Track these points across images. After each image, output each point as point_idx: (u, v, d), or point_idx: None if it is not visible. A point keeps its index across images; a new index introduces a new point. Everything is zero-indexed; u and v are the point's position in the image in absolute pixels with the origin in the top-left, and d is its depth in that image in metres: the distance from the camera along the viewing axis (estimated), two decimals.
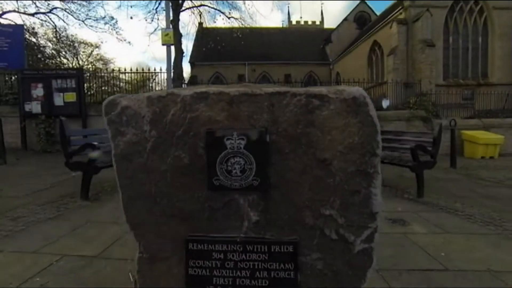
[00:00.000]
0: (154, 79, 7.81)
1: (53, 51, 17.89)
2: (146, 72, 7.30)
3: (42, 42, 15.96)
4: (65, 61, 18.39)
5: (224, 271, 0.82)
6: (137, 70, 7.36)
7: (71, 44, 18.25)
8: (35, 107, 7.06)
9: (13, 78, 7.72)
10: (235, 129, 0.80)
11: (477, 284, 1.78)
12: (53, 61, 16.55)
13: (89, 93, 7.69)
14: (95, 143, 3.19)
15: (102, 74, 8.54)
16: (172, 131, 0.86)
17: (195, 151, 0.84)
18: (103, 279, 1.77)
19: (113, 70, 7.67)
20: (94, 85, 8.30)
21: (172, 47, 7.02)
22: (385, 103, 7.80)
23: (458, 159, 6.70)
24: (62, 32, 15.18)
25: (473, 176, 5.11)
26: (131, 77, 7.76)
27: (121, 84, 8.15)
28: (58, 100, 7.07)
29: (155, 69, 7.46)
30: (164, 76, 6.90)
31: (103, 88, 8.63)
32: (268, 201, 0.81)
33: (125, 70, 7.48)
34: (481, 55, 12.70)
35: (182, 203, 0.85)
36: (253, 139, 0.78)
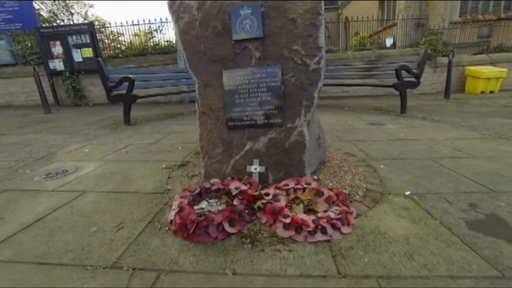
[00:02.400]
0: (161, 30, 8.31)
1: (49, 13, 17.85)
2: (153, 23, 7.71)
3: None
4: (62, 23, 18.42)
5: (244, 85, 1.63)
6: (144, 21, 7.76)
7: (65, 4, 18.06)
8: (58, 64, 7.80)
9: (29, 38, 8.26)
10: (245, 4, 1.51)
11: (416, 145, 2.62)
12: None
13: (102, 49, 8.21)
14: (130, 76, 3.98)
15: (107, 27, 8.98)
16: (210, 12, 1.59)
17: (224, 21, 1.58)
18: (162, 149, 2.75)
19: (121, 23, 8.05)
20: (106, 40, 8.78)
21: None
22: (388, 41, 7.93)
23: (457, 94, 7.13)
24: None
25: (461, 103, 5.64)
26: (139, 29, 8.16)
27: (130, 38, 8.58)
28: (77, 56, 7.72)
29: (161, 19, 7.84)
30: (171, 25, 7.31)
31: (111, 44, 9.16)
32: (264, 45, 1.57)
33: (132, 22, 7.89)
34: None
35: (219, 51, 1.62)
36: (255, 10, 1.50)
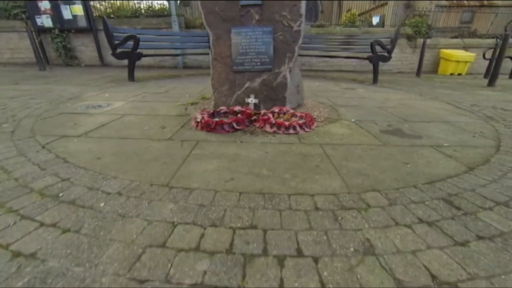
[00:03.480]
0: None
1: None
2: None
3: None
4: None
5: (246, 39, 2.32)
6: None
7: None
8: (45, 21, 7.77)
9: None
10: None
11: (373, 100, 3.44)
12: None
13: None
14: (136, 34, 4.44)
15: None
16: None
17: None
18: (172, 96, 3.41)
19: None
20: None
21: None
22: (375, 20, 8.58)
23: (429, 74, 8.06)
24: None
25: (428, 80, 6.53)
26: None
27: None
28: (66, 13, 7.72)
29: None
30: None
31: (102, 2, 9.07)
32: (262, 10, 2.25)
33: None
34: None
35: (229, 13, 2.28)
36: None
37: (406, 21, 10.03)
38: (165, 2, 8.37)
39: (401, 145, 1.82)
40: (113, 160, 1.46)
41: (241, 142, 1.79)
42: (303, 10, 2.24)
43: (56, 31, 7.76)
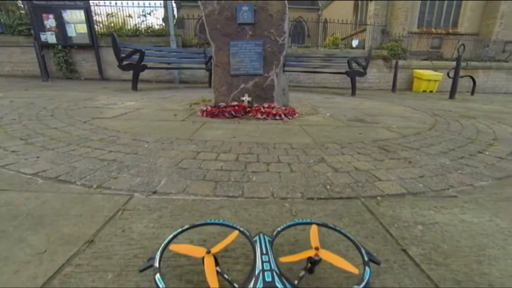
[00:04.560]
0: (155, 14, 9.36)
1: None
2: (147, 7, 8.70)
3: None
4: None
5: (241, 50, 2.99)
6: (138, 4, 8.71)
7: None
8: (50, 37, 8.42)
9: (17, 8, 8.75)
10: (245, 3, 2.87)
11: (347, 105, 4.15)
12: None
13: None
14: (142, 49, 5.10)
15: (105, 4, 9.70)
16: (224, 6, 2.93)
17: (232, 12, 2.93)
18: (176, 100, 4.01)
19: (115, 3, 8.88)
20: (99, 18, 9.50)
21: None
22: (354, 43, 9.77)
23: (405, 91, 9.09)
24: None
25: (401, 95, 7.47)
26: (133, 11, 9.07)
27: (120, 18, 9.42)
28: (71, 31, 8.42)
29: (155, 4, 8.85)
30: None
31: (102, 22, 9.88)
32: (254, 28, 2.95)
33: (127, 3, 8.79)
34: (456, 4, 14.45)
35: (228, 29, 2.97)
36: (250, 7, 2.87)
37: (383, 45, 11.37)
38: (164, 23, 9.28)
39: (360, 126, 2.44)
40: (143, 130, 1.98)
41: (239, 122, 2.36)
42: (286, 28, 2.96)
43: (59, 47, 8.38)
